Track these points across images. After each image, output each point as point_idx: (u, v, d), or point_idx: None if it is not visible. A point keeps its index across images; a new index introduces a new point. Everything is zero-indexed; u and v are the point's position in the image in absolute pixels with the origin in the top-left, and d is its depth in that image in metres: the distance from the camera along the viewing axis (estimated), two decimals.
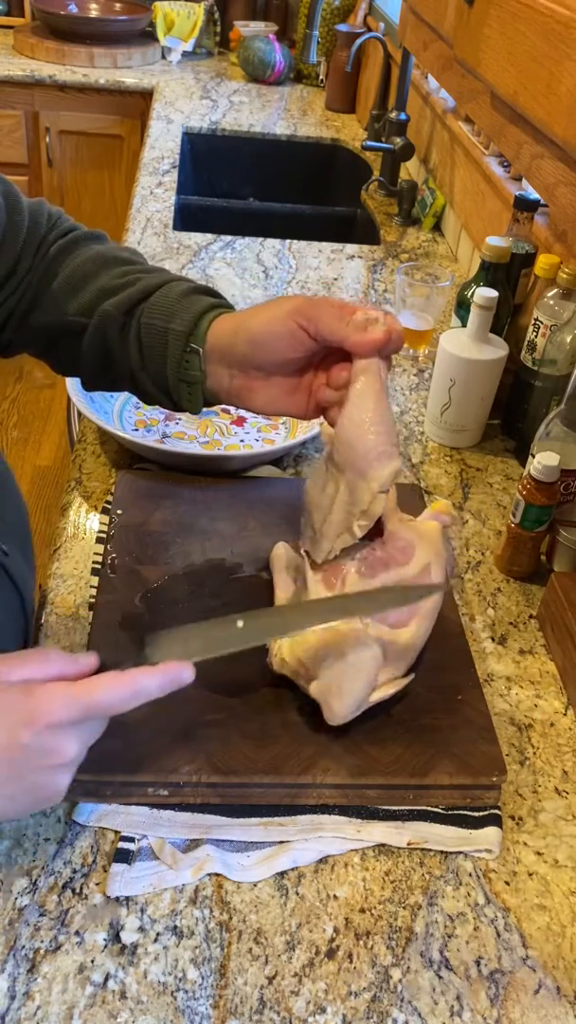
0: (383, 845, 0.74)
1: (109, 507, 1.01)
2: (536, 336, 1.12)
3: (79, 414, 1.18)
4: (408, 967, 0.67)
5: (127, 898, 0.68)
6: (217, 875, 0.70)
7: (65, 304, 0.81)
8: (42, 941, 0.65)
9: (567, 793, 0.80)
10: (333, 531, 0.77)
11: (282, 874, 0.71)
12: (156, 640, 0.68)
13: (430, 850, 0.74)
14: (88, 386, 0.88)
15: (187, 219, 2.02)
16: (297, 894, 0.70)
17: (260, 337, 0.72)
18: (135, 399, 1.24)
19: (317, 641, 0.75)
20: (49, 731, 0.60)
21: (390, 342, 0.70)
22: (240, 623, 0.69)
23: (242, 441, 1.19)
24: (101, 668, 0.65)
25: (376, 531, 0.79)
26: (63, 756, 0.61)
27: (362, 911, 0.70)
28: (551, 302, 1.10)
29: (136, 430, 1.18)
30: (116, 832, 0.72)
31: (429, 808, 0.76)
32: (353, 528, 0.75)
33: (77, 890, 0.69)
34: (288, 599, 0.84)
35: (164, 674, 0.64)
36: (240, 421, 1.23)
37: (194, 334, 0.75)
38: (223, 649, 0.69)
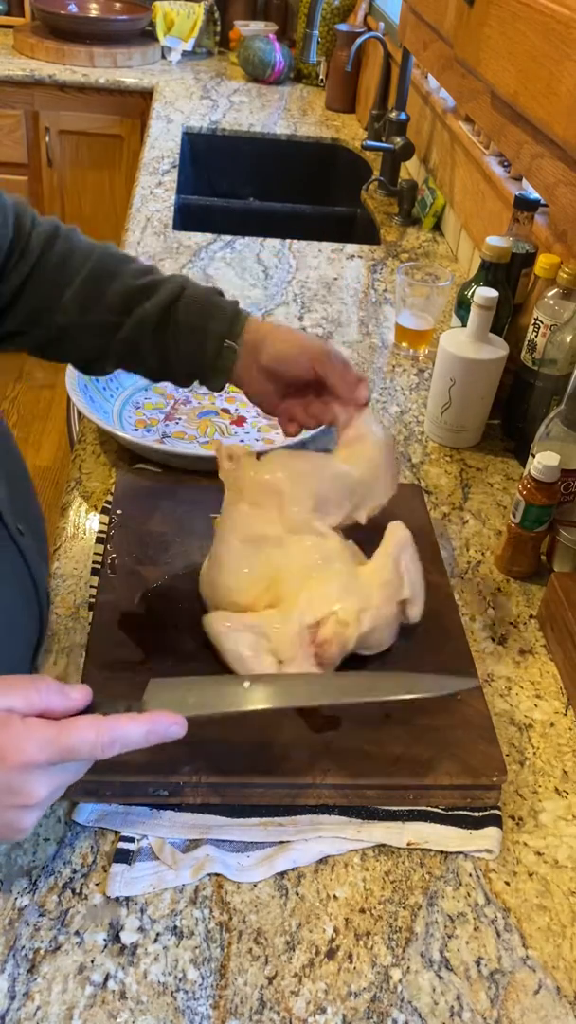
0: (383, 845, 0.74)
1: (109, 507, 1.01)
2: (536, 336, 1.12)
3: (79, 414, 1.18)
4: (408, 967, 0.67)
5: (127, 898, 0.68)
6: (217, 875, 0.70)
7: (93, 305, 0.89)
8: (42, 941, 0.65)
9: (567, 793, 0.80)
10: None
11: (282, 874, 0.71)
12: (156, 688, 0.67)
13: (430, 850, 0.74)
14: (91, 371, 0.96)
15: (187, 219, 2.01)
16: (297, 894, 0.70)
17: (282, 357, 0.87)
18: (135, 399, 1.24)
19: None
20: (19, 771, 0.58)
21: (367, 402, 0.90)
22: (247, 684, 0.70)
23: (242, 441, 1.19)
24: (91, 707, 0.62)
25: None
26: (30, 798, 0.59)
27: (362, 911, 0.70)
28: (551, 302, 1.10)
29: (136, 430, 1.18)
30: (116, 832, 0.72)
31: (429, 808, 0.76)
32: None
33: (77, 890, 0.69)
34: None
35: (151, 724, 0.63)
36: (240, 421, 1.23)
37: (231, 332, 0.88)
38: (222, 709, 0.68)
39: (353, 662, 0.83)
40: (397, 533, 0.88)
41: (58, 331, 0.90)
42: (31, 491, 0.91)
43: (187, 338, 0.89)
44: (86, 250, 0.90)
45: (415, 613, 0.87)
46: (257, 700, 0.69)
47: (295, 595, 0.81)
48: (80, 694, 0.63)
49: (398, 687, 0.74)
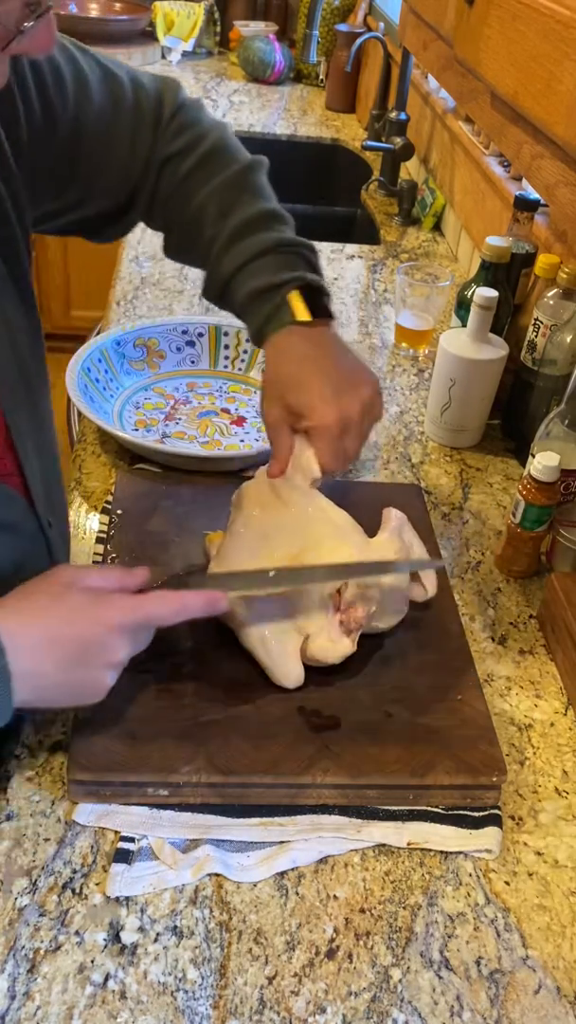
0: (383, 845, 0.74)
1: (109, 507, 1.01)
2: (536, 336, 1.12)
3: (79, 414, 1.18)
4: (408, 967, 0.67)
5: (127, 898, 0.68)
6: (217, 875, 0.70)
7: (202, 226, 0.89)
8: (42, 941, 0.65)
9: (567, 793, 0.80)
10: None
11: (282, 874, 0.71)
12: (200, 580, 0.80)
13: (430, 850, 0.74)
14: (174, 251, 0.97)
15: None
16: (297, 894, 0.70)
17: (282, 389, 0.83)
18: (135, 399, 1.24)
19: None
20: (110, 632, 0.70)
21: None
22: (272, 573, 0.80)
23: (242, 441, 1.19)
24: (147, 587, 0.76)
25: None
26: (116, 655, 0.71)
27: (362, 911, 0.70)
28: (551, 302, 1.10)
29: (136, 430, 1.18)
30: (116, 832, 0.72)
31: (429, 808, 0.76)
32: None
33: (77, 890, 0.69)
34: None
35: (207, 598, 0.75)
36: (240, 421, 1.23)
37: (257, 341, 0.87)
38: (255, 590, 0.80)
39: (357, 660, 0.83)
40: (393, 514, 0.90)
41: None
42: (60, 476, 0.93)
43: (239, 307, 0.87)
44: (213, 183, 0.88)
45: (431, 583, 0.89)
46: (282, 582, 0.80)
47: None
48: (142, 572, 0.77)
49: (378, 568, 0.83)
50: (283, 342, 0.83)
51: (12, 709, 0.67)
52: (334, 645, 0.80)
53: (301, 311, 0.83)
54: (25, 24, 0.61)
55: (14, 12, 0.60)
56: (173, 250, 0.96)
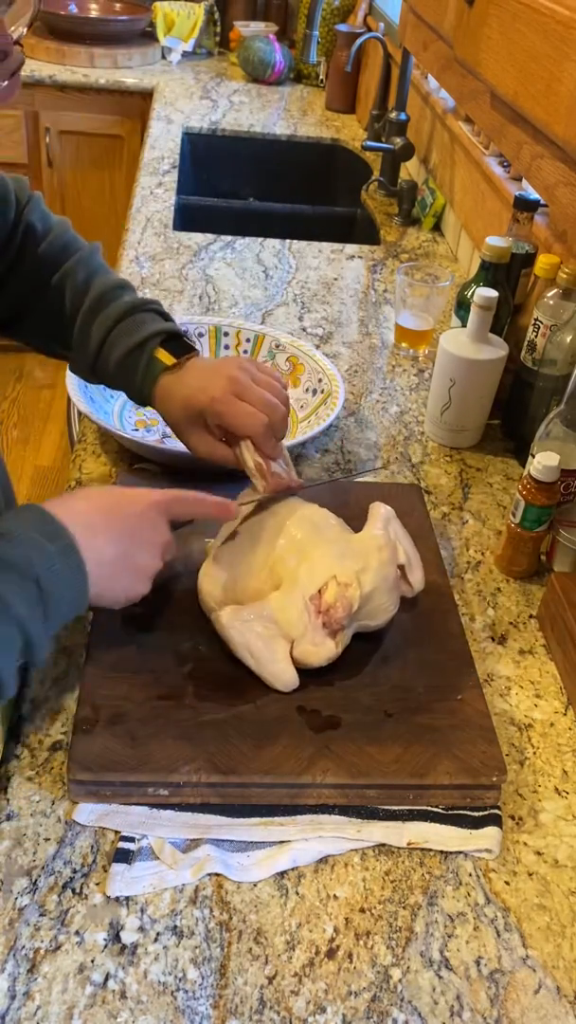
0: (383, 845, 0.74)
1: None
2: (536, 336, 1.12)
3: (79, 414, 1.18)
4: (408, 967, 0.67)
5: (127, 898, 0.68)
6: (217, 875, 0.70)
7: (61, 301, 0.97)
8: (42, 941, 0.65)
9: (567, 793, 0.80)
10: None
11: (282, 874, 0.71)
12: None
13: (430, 850, 0.74)
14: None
15: (187, 219, 2.01)
16: (297, 894, 0.70)
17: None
18: None
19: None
20: (150, 507, 0.78)
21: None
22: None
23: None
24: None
25: None
26: (160, 534, 0.78)
27: (362, 911, 0.70)
28: (551, 302, 1.10)
29: (136, 430, 1.18)
30: (116, 832, 0.72)
31: (429, 808, 0.76)
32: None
33: (77, 890, 0.69)
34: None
35: (222, 502, 0.83)
36: None
37: (140, 401, 0.95)
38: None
39: (356, 660, 0.83)
40: (380, 508, 0.91)
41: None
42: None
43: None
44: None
45: (417, 579, 0.89)
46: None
47: (294, 572, 0.83)
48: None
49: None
50: (164, 387, 0.92)
51: (88, 590, 0.72)
52: (317, 649, 0.80)
53: (167, 358, 0.92)
54: None
55: None
56: (26, 332, 1.01)
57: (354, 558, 0.84)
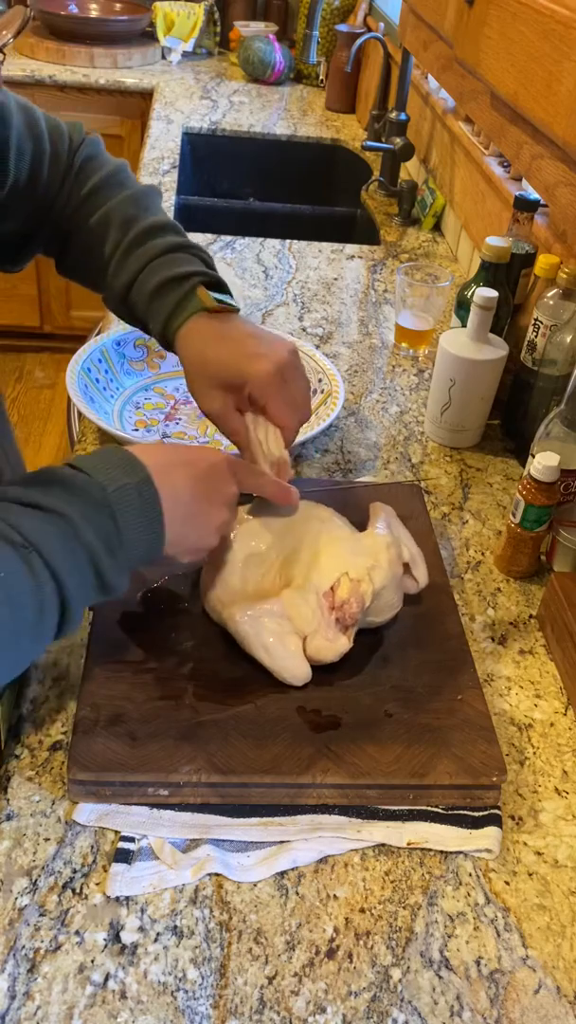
0: (383, 845, 0.74)
1: None
2: (536, 336, 1.12)
3: (79, 414, 1.18)
4: (408, 967, 0.67)
5: (127, 898, 0.68)
6: (217, 875, 0.70)
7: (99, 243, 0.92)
8: (42, 941, 0.65)
9: (567, 793, 0.80)
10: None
11: (282, 874, 0.71)
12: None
13: (430, 850, 0.74)
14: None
15: (187, 219, 2.01)
16: (297, 894, 0.70)
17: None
18: (135, 399, 1.24)
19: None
20: (221, 461, 0.77)
21: None
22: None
23: None
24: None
25: None
26: (230, 487, 0.77)
27: (362, 911, 0.70)
28: (551, 302, 1.10)
29: (136, 430, 1.18)
30: (116, 832, 0.72)
31: (429, 808, 0.76)
32: None
33: (77, 890, 0.69)
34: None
35: (283, 486, 0.83)
36: None
37: (164, 336, 0.88)
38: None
39: (356, 660, 0.83)
40: (381, 508, 0.91)
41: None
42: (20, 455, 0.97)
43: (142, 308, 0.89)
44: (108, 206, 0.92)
45: (422, 575, 0.90)
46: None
47: (305, 570, 0.83)
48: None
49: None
50: (196, 328, 0.84)
51: (164, 530, 0.70)
52: (331, 644, 0.81)
53: (208, 300, 0.84)
54: None
55: None
56: (69, 266, 0.98)
57: (364, 555, 0.84)
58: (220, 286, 0.87)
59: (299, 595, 0.82)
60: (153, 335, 0.89)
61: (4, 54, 0.65)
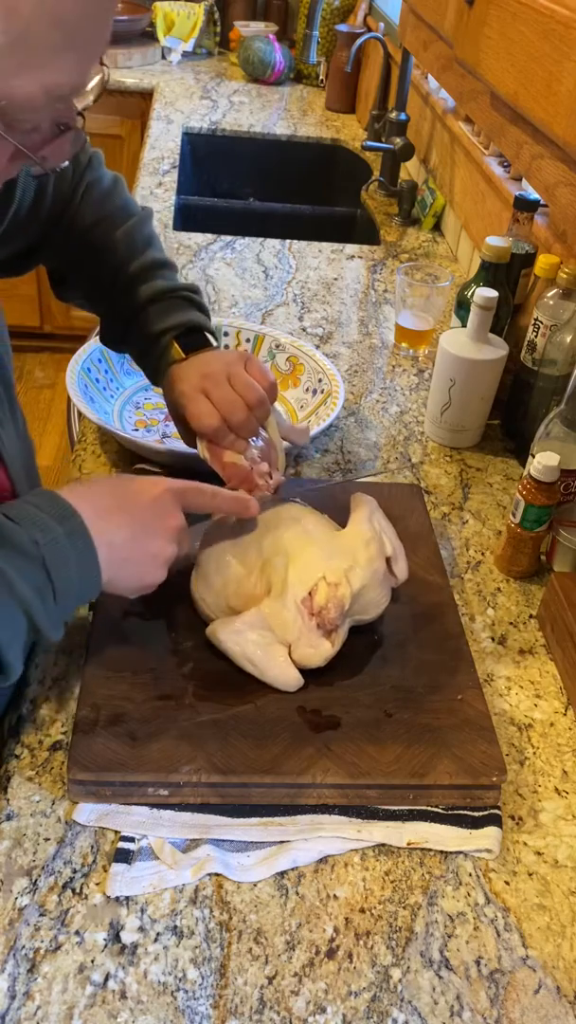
0: (383, 845, 0.74)
1: None
2: (536, 336, 1.12)
3: (79, 414, 1.18)
4: (408, 967, 0.67)
5: (127, 898, 0.68)
6: (217, 875, 0.70)
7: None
8: (42, 941, 0.65)
9: (567, 793, 0.80)
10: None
11: (282, 874, 0.71)
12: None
13: (430, 850, 0.74)
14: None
15: (187, 219, 2.02)
16: (297, 894, 0.70)
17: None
18: (135, 399, 1.24)
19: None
20: (163, 493, 0.77)
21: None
22: None
23: None
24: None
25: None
26: (174, 519, 0.77)
27: (362, 911, 0.70)
28: (551, 302, 1.10)
29: (136, 430, 1.18)
30: (116, 832, 0.72)
31: (429, 808, 0.76)
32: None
33: (77, 890, 0.69)
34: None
35: (239, 498, 0.83)
36: None
37: (156, 374, 0.96)
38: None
39: (356, 660, 0.83)
40: (362, 499, 0.91)
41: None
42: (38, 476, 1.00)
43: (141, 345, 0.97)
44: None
45: (402, 570, 0.88)
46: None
47: (283, 576, 0.82)
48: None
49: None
50: (168, 379, 0.93)
51: (99, 573, 0.72)
52: (315, 651, 0.80)
53: (178, 353, 0.93)
54: (45, 150, 0.64)
55: (45, 133, 0.62)
56: (70, 286, 1.05)
57: (342, 556, 0.83)
58: (196, 328, 0.95)
59: (279, 603, 0.81)
60: (146, 376, 1.00)
61: (84, 116, 0.65)
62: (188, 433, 0.93)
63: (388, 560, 0.87)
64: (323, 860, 0.72)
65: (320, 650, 0.80)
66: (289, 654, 0.81)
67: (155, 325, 0.94)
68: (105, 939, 0.66)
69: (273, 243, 1.79)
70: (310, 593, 0.81)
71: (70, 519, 0.70)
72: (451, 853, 0.74)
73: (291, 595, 0.81)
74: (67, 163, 0.67)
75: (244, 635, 0.80)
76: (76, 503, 0.71)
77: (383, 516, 0.90)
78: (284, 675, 0.80)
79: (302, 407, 1.24)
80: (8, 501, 0.83)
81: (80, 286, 1.03)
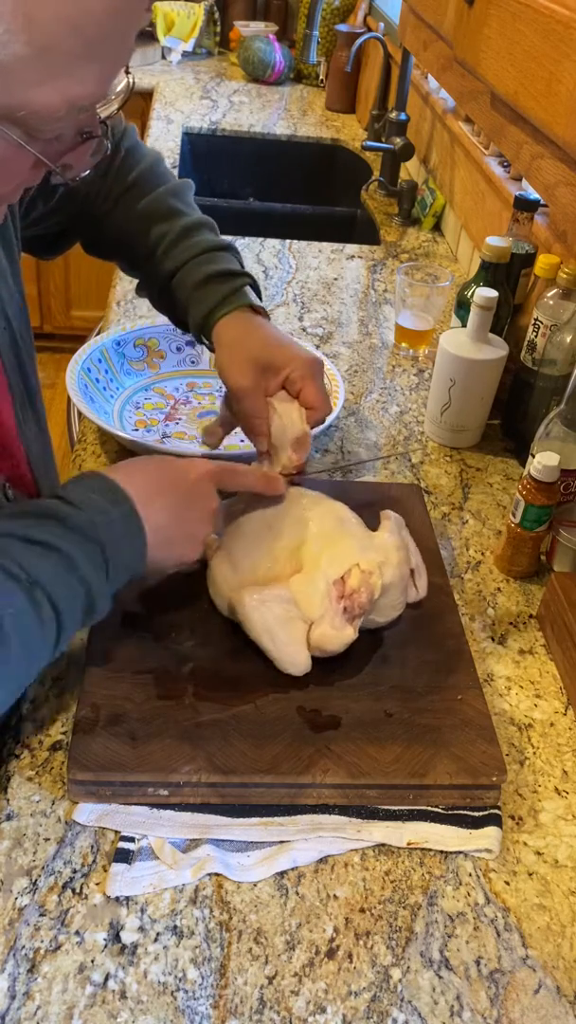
0: (383, 845, 0.74)
1: None
2: (536, 336, 1.12)
3: (79, 414, 1.18)
4: (408, 967, 0.67)
5: (127, 898, 0.68)
6: (217, 875, 0.70)
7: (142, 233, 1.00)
8: (42, 941, 0.65)
9: (567, 793, 0.80)
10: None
11: (282, 874, 0.71)
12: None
13: (430, 850, 0.74)
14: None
15: None
16: (297, 894, 0.70)
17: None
18: (135, 399, 1.24)
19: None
20: (201, 477, 0.80)
21: None
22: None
23: (242, 440, 1.18)
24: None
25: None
26: (211, 502, 0.81)
27: (362, 911, 0.70)
28: (551, 302, 1.10)
29: (136, 430, 1.18)
30: (116, 832, 0.72)
31: (429, 808, 0.76)
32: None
33: (77, 890, 0.69)
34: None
35: (266, 475, 0.88)
36: None
37: (204, 322, 0.94)
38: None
39: (357, 660, 0.83)
40: (391, 515, 0.92)
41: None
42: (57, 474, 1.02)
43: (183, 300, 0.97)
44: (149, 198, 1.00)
45: (423, 586, 0.91)
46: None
47: (316, 558, 0.84)
48: None
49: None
50: (241, 317, 0.93)
51: (145, 553, 0.75)
52: (337, 633, 0.81)
53: (256, 299, 0.94)
54: (67, 157, 0.64)
55: (67, 141, 0.62)
56: (104, 250, 1.05)
57: (376, 551, 0.85)
58: (257, 290, 0.96)
59: (308, 581, 0.83)
60: (190, 321, 0.96)
61: (107, 124, 0.66)
62: (248, 382, 0.92)
63: (412, 573, 0.89)
64: (323, 860, 0.72)
65: (343, 633, 0.81)
66: (307, 636, 0.81)
67: (226, 264, 0.95)
68: (105, 939, 0.66)
69: (273, 243, 1.79)
70: (343, 577, 0.82)
71: (123, 503, 0.74)
72: (451, 853, 0.74)
73: (323, 574, 0.83)
74: (89, 171, 0.67)
75: (267, 604, 0.81)
76: (125, 484, 0.75)
77: (409, 535, 0.93)
78: (297, 655, 0.81)
79: None
80: (30, 493, 0.87)
81: (119, 244, 1.03)
